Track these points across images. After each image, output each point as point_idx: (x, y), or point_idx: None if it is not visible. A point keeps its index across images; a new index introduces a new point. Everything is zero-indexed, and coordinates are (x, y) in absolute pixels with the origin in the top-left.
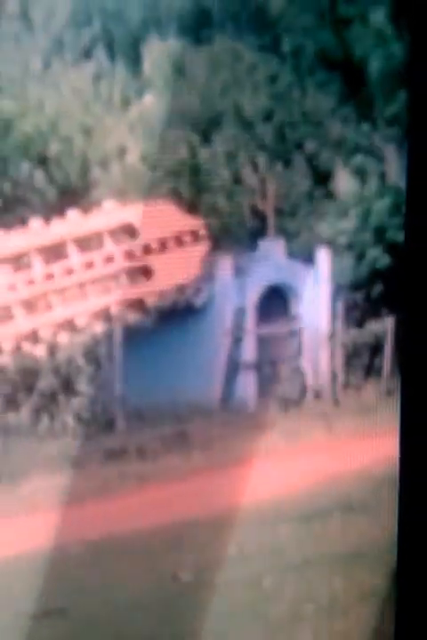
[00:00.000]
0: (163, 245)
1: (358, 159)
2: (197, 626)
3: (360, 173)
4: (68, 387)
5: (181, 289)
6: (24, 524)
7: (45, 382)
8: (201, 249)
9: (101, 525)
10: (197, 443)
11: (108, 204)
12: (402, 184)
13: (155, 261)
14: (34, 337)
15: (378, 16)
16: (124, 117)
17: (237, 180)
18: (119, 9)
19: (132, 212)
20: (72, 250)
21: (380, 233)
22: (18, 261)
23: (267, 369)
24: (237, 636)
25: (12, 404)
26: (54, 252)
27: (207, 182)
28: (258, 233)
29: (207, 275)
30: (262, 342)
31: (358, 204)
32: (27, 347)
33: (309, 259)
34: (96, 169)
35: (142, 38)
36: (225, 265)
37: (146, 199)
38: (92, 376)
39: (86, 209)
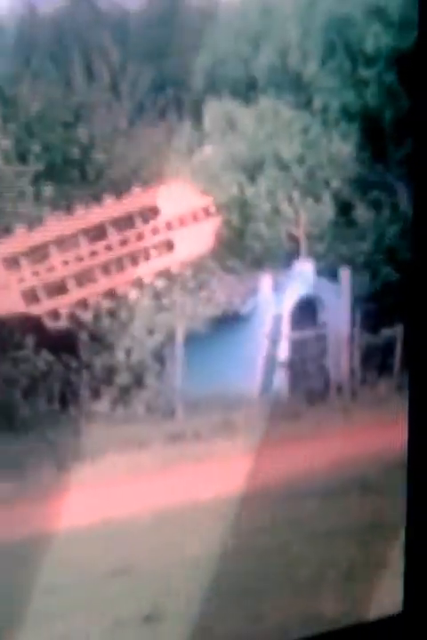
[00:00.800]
0: (181, 221)
1: (374, 194)
2: (238, 584)
3: (376, 205)
4: (139, 381)
5: (230, 302)
6: (100, 494)
7: (121, 378)
8: (213, 222)
9: (163, 497)
10: (241, 428)
11: (136, 190)
12: (410, 213)
13: (175, 235)
14: (84, 305)
15: (390, 78)
16: (188, 164)
17: (276, 211)
18: (186, 79)
19: (155, 195)
20: (110, 230)
21: (391, 253)
22: (69, 242)
23: (298, 367)
24: (269, 594)
25: (96, 395)
26: (97, 233)
27: (252, 214)
28: (293, 255)
29: (252, 289)
30: (295, 344)
31: (373, 230)
32: (79, 312)
33: (333, 276)
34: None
35: (203, 101)
36: (266, 281)
37: (165, 183)
38: (159, 373)
39: (119, 195)
